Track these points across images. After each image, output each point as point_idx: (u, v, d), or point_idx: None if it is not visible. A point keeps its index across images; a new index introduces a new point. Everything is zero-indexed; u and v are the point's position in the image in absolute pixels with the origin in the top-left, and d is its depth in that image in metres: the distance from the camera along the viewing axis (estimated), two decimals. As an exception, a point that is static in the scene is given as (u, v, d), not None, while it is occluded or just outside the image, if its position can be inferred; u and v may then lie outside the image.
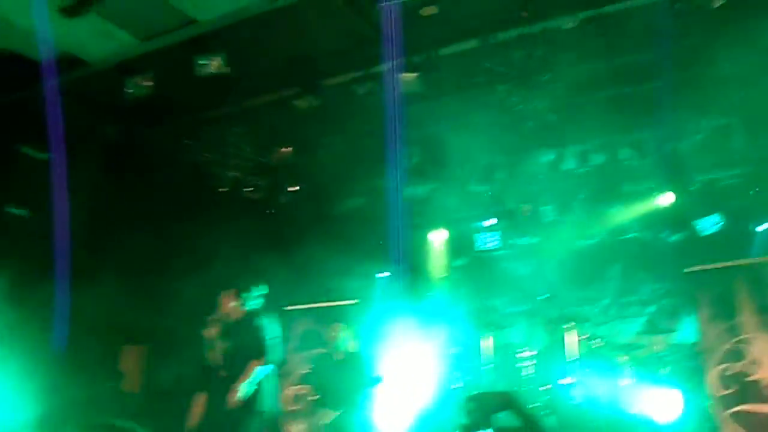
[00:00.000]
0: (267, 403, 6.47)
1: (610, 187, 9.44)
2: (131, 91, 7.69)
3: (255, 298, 6.78)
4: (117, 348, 7.41)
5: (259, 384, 6.38)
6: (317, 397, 7.42)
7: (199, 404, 6.88)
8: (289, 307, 10.02)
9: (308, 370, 8.93)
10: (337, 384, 7.29)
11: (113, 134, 8.98)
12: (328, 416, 7.05)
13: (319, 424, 7.11)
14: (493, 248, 10.42)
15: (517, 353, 8.86)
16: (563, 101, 7.55)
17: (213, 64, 7.04)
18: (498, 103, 7.57)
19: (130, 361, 7.30)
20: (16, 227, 8.26)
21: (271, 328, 6.56)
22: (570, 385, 8.35)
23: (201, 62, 7.05)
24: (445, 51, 7.38)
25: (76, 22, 6.51)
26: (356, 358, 7.47)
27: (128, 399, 8.45)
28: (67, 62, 7.51)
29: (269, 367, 6.41)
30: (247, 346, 6.44)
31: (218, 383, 6.74)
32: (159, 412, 7.43)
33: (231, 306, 6.68)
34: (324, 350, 8.13)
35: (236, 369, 6.69)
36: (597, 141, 8.83)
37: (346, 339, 7.63)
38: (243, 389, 6.24)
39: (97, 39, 6.94)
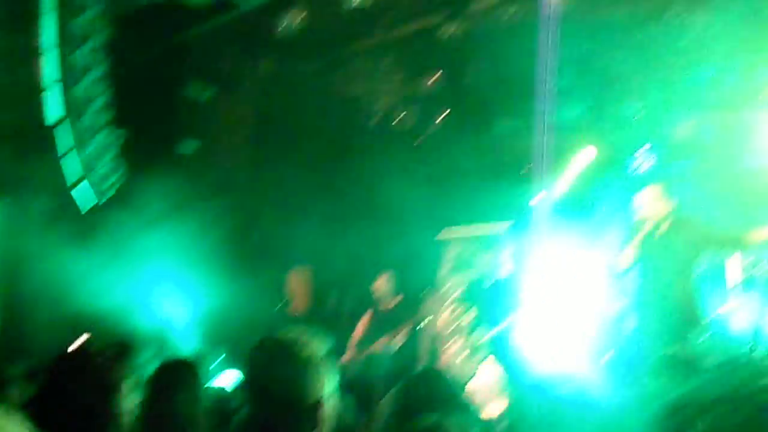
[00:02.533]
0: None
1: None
2: (281, 28, 7.98)
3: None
4: (284, 271, 7.84)
5: None
6: (470, 318, 7.58)
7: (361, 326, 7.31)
8: (444, 233, 10.18)
9: (461, 293, 9.10)
10: (489, 307, 7.41)
11: (267, 70, 9.36)
12: (484, 335, 7.20)
13: (476, 343, 7.28)
14: (648, 170, 10.03)
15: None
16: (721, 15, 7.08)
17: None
18: (650, 21, 7.21)
19: (298, 283, 7.74)
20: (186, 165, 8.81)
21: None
22: (728, 311, 8.04)
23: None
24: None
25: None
26: (507, 283, 7.52)
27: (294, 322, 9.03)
28: (221, 4, 7.87)
29: None
30: None
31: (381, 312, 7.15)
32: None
33: None
34: (477, 273, 8.25)
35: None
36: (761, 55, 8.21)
37: (498, 264, 7.70)
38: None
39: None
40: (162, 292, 7.38)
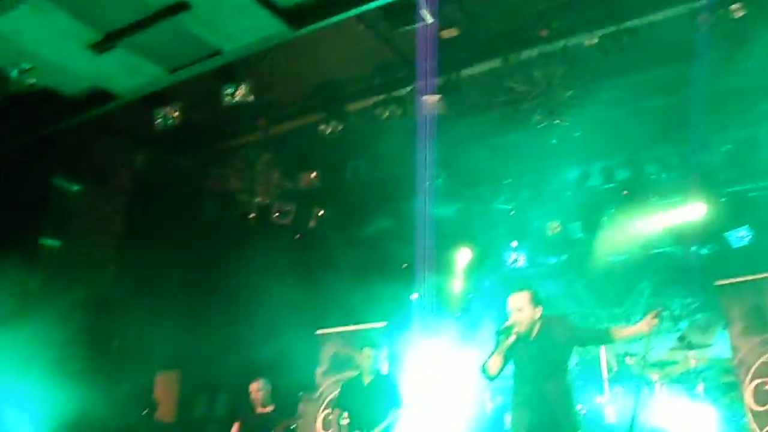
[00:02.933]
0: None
1: (638, 202, 9.38)
2: (159, 121, 7.85)
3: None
4: (151, 376, 7.43)
5: None
6: (347, 421, 7.40)
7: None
8: (320, 331, 10.10)
9: (338, 394, 8.95)
10: (367, 407, 7.26)
11: (142, 164, 9.15)
12: None
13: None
14: (521, 267, 10.39)
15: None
16: (586, 118, 7.55)
17: (239, 93, 7.18)
18: (521, 122, 7.59)
19: (164, 388, 7.34)
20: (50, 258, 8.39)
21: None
22: (604, 403, 8.25)
23: (227, 92, 7.19)
24: (467, 72, 7.44)
25: (105, 56, 6.66)
26: (386, 381, 7.45)
27: (162, 428, 8.54)
28: (98, 96, 7.69)
29: None
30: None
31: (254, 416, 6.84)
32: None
33: None
34: (353, 373, 8.15)
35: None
36: (622, 156, 8.79)
37: (376, 362, 7.62)
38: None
39: (126, 72, 7.08)
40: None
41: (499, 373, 5.14)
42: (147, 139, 8.60)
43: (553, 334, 5.18)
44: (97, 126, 8.38)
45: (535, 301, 5.21)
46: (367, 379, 7.52)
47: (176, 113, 7.78)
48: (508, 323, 5.09)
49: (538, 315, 5.18)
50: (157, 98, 7.81)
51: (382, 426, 6.94)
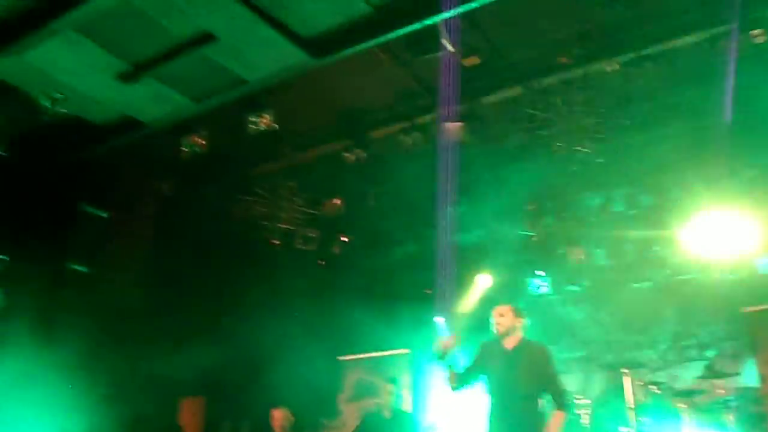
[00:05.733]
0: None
1: (662, 228, 9.30)
2: (186, 149, 8.00)
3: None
4: (175, 401, 7.47)
5: None
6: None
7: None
8: (342, 358, 10.09)
9: (359, 424, 8.93)
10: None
11: (169, 191, 9.29)
12: None
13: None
14: (544, 293, 10.31)
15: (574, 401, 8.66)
16: (608, 144, 7.55)
17: (263, 121, 7.31)
18: (543, 149, 7.62)
19: (189, 414, 7.37)
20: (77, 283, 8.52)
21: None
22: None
23: (252, 120, 7.32)
24: (489, 99, 7.50)
25: (133, 86, 6.83)
26: (406, 416, 7.43)
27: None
28: (126, 125, 7.86)
29: None
30: None
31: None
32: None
33: None
34: (375, 403, 8.11)
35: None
36: (644, 182, 8.74)
37: (397, 394, 7.60)
38: None
39: (153, 102, 7.25)
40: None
41: (463, 385, 5.40)
42: (174, 166, 8.74)
43: (531, 355, 5.33)
44: (125, 154, 8.57)
45: (517, 312, 5.45)
46: (387, 414, 7.47)
47: (202, 141, 7.93)
48: (440, 344, 5.36)
49: (519, 324, 5.39)
50: (184, 127, 7.98)
51: None
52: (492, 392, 5.34)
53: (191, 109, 7.50)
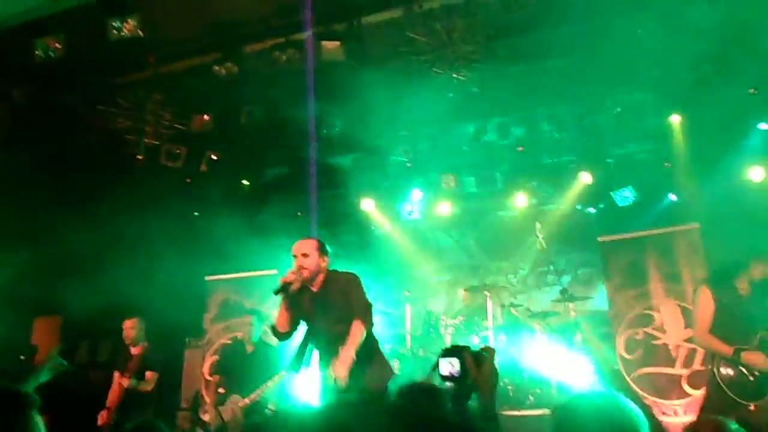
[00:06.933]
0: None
1: (530, 160, 9.62)
2: (39, 53, 7.34)
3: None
4: (29, 320, 7.09)
5: None
6: (225, 389, 7.26)
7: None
8: (209, 277, 9.95)
9: (219, 359, 8.89)
10: (246, 373, 7.12)
11: (21, 97, 8.55)
12: (238, 402, 6.90)
13: (229, 411, 6.93)
14: (415, 219, 10.51)
15: (438, 321, 8.98)
16: (484, 73, 7.59)
17: (127, 27, 6.78)
18: (420, 74, 7.55)
19: (44, 333, 7.03)
20: None
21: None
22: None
23: (114, 24, 6.78)
24: (369, 19, 7.31)
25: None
26: (270, 345, 7.22)
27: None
28: (-28, 20, 7.11)
29: None
30: None
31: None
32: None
33: None
34: (233, 337, 8.04)
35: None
36: (517, 114, 8.93)
37: (258, 328, 7.43)
38: None
39: (0, -5, 6.57)
40: None
41: (291, 329, 4.89)
42: (26, 71, 8.03)
43: (338, 291, 4.88)
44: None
45: (322, 250, 4.92)
46: (249, 347, 7.37)
47: (59, 45, 7.29)
48: (286, 277, 4.73)
49: (324, 265, 4.89)
50: (37, 28, 7.30)
51: (261, 389, 6.79)
52: (312, 340, 4.90)
53: (47, 7, 6.86)
